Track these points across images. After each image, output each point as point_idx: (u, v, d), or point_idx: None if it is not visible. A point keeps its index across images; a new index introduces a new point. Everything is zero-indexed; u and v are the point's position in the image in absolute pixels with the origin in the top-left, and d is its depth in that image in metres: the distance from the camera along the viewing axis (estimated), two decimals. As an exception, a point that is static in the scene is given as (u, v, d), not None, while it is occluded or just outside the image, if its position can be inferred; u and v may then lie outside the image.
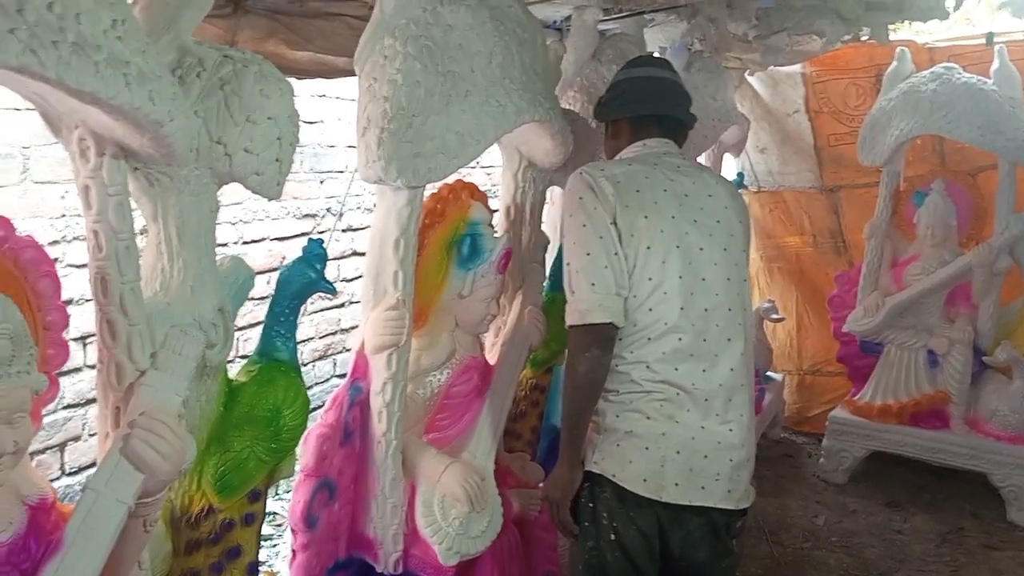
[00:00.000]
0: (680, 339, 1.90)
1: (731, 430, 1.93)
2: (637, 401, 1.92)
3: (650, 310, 1.90)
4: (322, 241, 1.66)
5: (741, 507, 1.96)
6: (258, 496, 1.59)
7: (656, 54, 3.54)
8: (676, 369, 1.90)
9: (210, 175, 1.44)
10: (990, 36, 4.02)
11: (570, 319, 1.90)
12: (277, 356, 1.61)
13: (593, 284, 1.86)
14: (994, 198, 3.92)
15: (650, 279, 1.89)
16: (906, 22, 4.31)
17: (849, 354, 4.34)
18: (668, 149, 2.09)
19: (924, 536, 3.67)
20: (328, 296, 3.87)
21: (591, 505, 1.96)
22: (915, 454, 4.01)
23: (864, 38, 4.10)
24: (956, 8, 3.71)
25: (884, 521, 3.79)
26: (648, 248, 1.89)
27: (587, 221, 1.90)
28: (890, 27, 3.80)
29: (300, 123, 1.53)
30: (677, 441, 1.88)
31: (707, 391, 1.91)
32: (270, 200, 1.55)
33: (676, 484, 1.88)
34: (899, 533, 3.69)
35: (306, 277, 1.62)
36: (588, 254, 1.88)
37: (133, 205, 1.35)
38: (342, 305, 4.01)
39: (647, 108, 2.12)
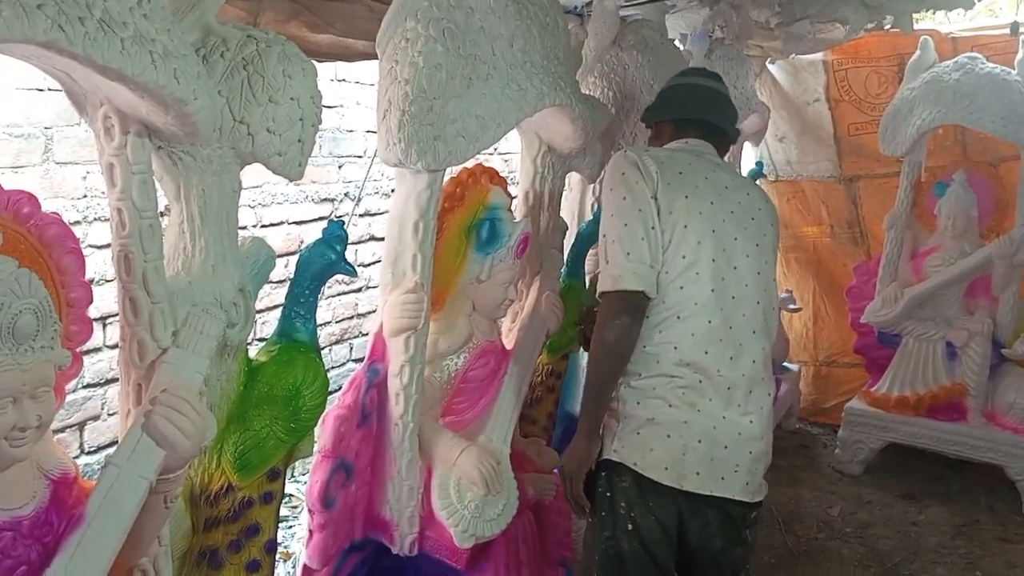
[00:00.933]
0: (709, 321, 1.91)
1: (752, 422, 1.94)
2: (660, 388, 1.92)
3: (681, 288, 1.91)
4: (343, 223, 1.67)
5: (756, 500, 1.97)
6: (277, 475, 1.60)
7: (677, 41, 3.52)
8: (705, 353, 1.91)
9: (232, 155, 1.45)
10: (1015, 26, 3.96)
11: (603, 286, 1.92)
12: (297, 337, 1.62)
13: (628, 253, 1.88)
14: (1016, 189, 3.88)
15: (684, 257, 1.91)
16: (930, 11, 4.26)
17: (867, 345, 4.31)
18: (708, 151, 2.13)
19: (939, 528, 3.65)
20: (346, 280, 3.89)
21: (608, 494, 1.96)
22: (931, 446, 3.98)
23: (887, 27, 4.07)
24: (981, -1, 3.67)
25: (899, 513, 3.78)
26: (685, 227, 1.91)
27: (627, 194, 1.92)
28: (914, 16, 3.76)
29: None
30: (699, 430, 1.89)
31: (731, 379, 1.92)
32: (292, 181, 1.56)
33: (697, 473, 1.89)
34: (914, 525, 3.68)
35: (326, 259, 1.63)
36: (626, 225, 1.90)
37: (156, 185, 1.36)
38: (359, 290, 4.02)
39: (689, 112, 2.16)
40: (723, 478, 1.90)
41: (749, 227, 2.00)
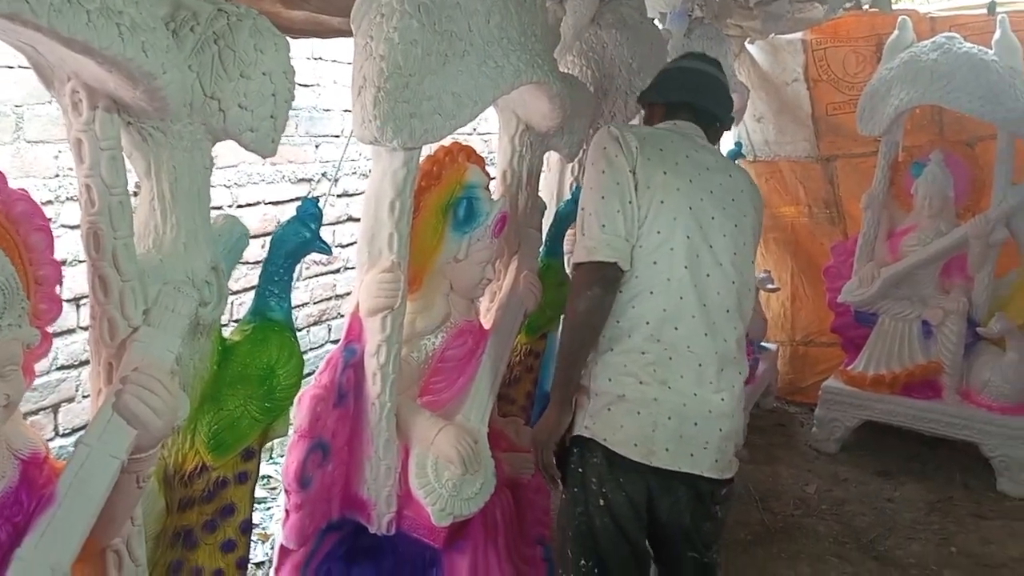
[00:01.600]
0: (681, 298, 1.93)
1: (723, 399, 1.96)
2: (631, 364, 1.94)
3: (654, 263, 1.93)
4: (317, 200, 1.64)
5: (726, 477, 1.99)
6: (252, 455, 1.59)
7: (657, 20, 3.51)
8: (675, 328, 1.93)
9: (204, 131, 1.42)
10: (992, 6, 3.98)
11: (576, 257, 1.95)
12: (271, 316, 1.60)
13: (603, 225, 1.91)
14: (992, 169, 3.92)
15: (658, 232, 1.93)
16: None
17: (844, 324, 4.35)
18: (695, 132, 2.14)
19: (914, 505, 3.70)
20: (324, 261, 3.87)
21: (580, 470, 1.99)
22: (907, 424, 4.04)
23: (866, 6, 4.07)
24: (959, -23, 3.68)
25: (875, 490, 3.83)
26: (661, 202, 1.93)
27: (607, 168, 1.95)
28: (892, -5, 3.77)
29: (296, 86, 1.52)
30: (669, 407, 1.91)
31: (701, 356, 1.94)
32: (265, 157, 1.54)
33: (666, 450, 1.91)
34: (889, 502, 3.72)
35: (300, 237, 1.61)
36: (603, 198, 1.93)
37: (127, 161, 1.34)
38: (337, 271, 4.00)
39: (681, 96, 2.19)
40: (692, 455, 1.92)
41: (728, 207, 2.01)
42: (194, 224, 1.45)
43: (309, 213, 1.61)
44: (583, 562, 1.99)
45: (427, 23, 1.76)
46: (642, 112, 2.35)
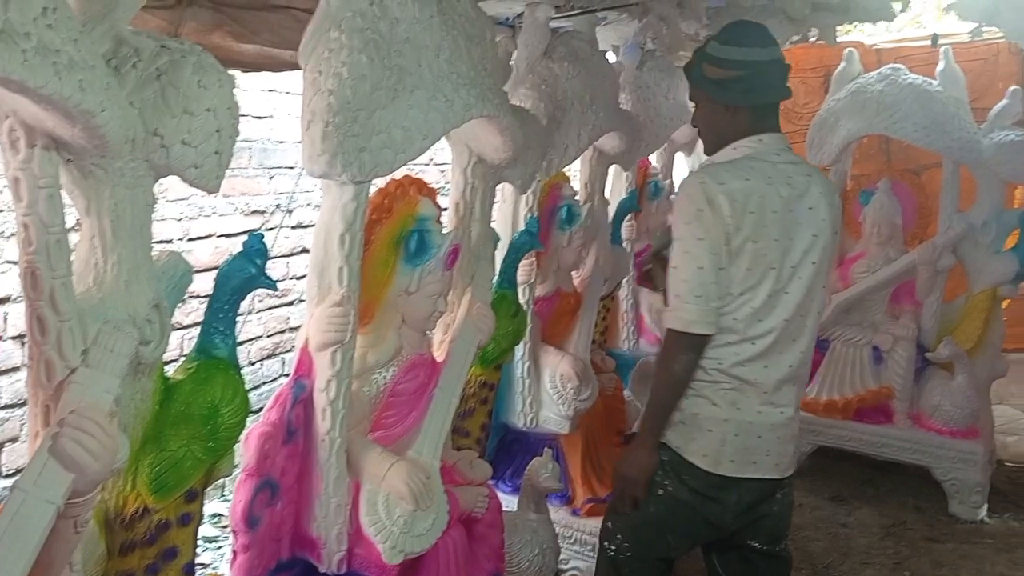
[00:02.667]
0: (754, 344, 2.07)
1: (782, 412, 2.13)
2: (704, 389, 2.10)
3: (734, 319, 2.06)
4: (263, 235, 1.63)
5: (786, 475, 2.18)
6: (195, 496, 1.55)
7: (610, 53, 3.55)
8: (744, 366, 2.08)
9: (146, 167, 1.40)
10: (935, 37, 4.10)
11: (672, 324, 2.06)
12: (215, 353, 1.57)
13: (699, 296, 2.02)
14: (939, 197, 4.00)
15: (741, 295, 2.05)
16: (854, 24, 4.38)
17: (797, 351, 4.38)
18: (781, 147, 2.15)
19: (868, 529, 3.74)
20: (277, 294, 3.83)
21: None
22: (860, 449, 4.08)
23: (812, 39, 4.16)
24: (903, 10, 3.77)
25: (829, 515, 3.86)
26: (748, 270, 2.03)
27: (704, 235, 2.01)
28: (838, 28, 3.85)
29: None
30: (736, 425, 2.09)
31: (768, 385, 2.09)
32: (210, 193, 1.52)
33: (732, 461, 2.09)
34: (844, 526, 3.75)
35: (246, 272, 1.59)
36: (700, 268, 2.02)
37: (66, 199, 1.32)
38: (291, 303, 3.97)
39: (768, 97, 2.15)
40: (755, 462, 2.11)
41: (810, 248, 2.07)
42: (136, 261, 1.42)
43: (255, 248, 1.59)
44: (619, 536, 2.23)
45: (376, 58, 1.77)
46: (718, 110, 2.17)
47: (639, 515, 2.17)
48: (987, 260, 3.96)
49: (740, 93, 2.11)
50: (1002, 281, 3.94)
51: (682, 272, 2.04)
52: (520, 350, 2.91)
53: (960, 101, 3.89)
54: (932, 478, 3.94)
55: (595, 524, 2.90)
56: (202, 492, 1.58)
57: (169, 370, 1.56)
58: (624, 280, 3.81)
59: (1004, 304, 4.17)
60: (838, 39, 3.90)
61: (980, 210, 3.96)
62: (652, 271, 3.18)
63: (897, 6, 3.66)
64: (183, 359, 1.62)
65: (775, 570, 2.31)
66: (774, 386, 2.09)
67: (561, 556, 2.84)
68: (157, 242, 3.24)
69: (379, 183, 2.00)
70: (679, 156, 4.44)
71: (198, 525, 1.60)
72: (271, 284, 1.63)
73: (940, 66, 3.95)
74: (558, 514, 2.97)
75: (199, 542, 3.10)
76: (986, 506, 3.88)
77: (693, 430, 2.11)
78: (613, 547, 2.24)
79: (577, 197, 3.16)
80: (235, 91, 1.48)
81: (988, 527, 3.80)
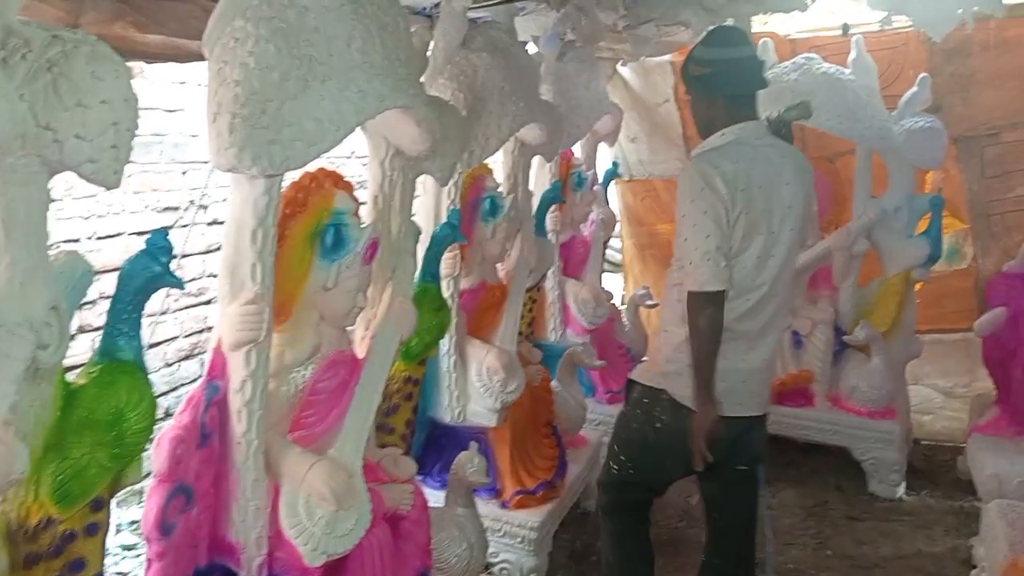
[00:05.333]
0: (748, 299, 2.36)
1: (763, 358, 2.46)
2: None
3: (731, 279, 2.33)
4: (167, 232, 1.56)
5: (764, 412, 2.55)
6: (101, 505, 1.49)
7: (530, 44, 3.54)
8: (738, 320, 2.36)
9: (39, 163, 1.33)
10: (846, 27, 4.18)
11: (691, 286, 2.32)
12: (120, 356, 1.51)
13: (709, 259, 2.29)
14: (852, 183, 4.10)
15: (736, 257, 2.34)
16: (768, 13, 4.44)
17: (720, 337, 4.44)
18: (761, 132, 2.45)
19: (791, 510, 3.82)
20: (192, 293, 3.72)
21: (646, 401, 2.54)
22: (782, 431, 4.13)
23: (728, 29, 4.19)
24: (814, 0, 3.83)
25: (754, 498, 3.91)
26: (742, 237, 2.33)
27: (708, 209, 2.30)
28: (753, 18, 3.90)
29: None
30: (724, 372, 2.36)
31: (753, 334, 2.40)
32: (109, 190, 1.45)
33: (721, 403, 2.36)
34: (768, 508, 3.80)
35: (150, 271, 1.52)
36: (708, 236, 2.29)
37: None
38: (208, 302, 3.86)
39: (742, 88, 2.42)
40: (741, 403, 2.42)
41: (787, 217, 2.37)
42: (31, 262, 1.35)
43: (159, 246, 1.53)
44: (623, 457, 2.62)
45: (284, 48, 1.72)
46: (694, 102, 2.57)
47: (642, 443, 2.56)
48: (900, 244, 4.08)
49: (715, 86, 2.43)
50: (915, 264, 4.07)
51: (692, 241, 2.31)
52: (446, 344, 2.92)
53: (872, 89, 3.98)
54: (852, 458, 4.04)
55: (524, 516, 2.95)
56: (109, 501, 1.51)
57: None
58: (550, 271, 3.82)
59: (917, 287, 4.30)
60: (753, 30, 3.96)
61: (892, 196, 4.07)
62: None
63: (810, -4, 3.72)
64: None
65: (750, 486, 2.66)
66: (758, 334, 2.41)
67: (491, 549, 2.83)
68: (63, 241, 3.12)
69: (293, 176, 1.95)
70: (602, 147, 4.46)
71: (105, 535, 1.53)
72: (178, 283, 1.57)
73: (852, 55, 4.04)
74: (487, 507, 2.95)
75: (118, 550, 3.00)
76: (904, 484, 4.00)
77: (687, 379, 2.37)
78: (616, 466, 2.64)
79: (500, 189, 3.19)
80: (133, 82, 1.41)
81: (906, 504, 3.91)
